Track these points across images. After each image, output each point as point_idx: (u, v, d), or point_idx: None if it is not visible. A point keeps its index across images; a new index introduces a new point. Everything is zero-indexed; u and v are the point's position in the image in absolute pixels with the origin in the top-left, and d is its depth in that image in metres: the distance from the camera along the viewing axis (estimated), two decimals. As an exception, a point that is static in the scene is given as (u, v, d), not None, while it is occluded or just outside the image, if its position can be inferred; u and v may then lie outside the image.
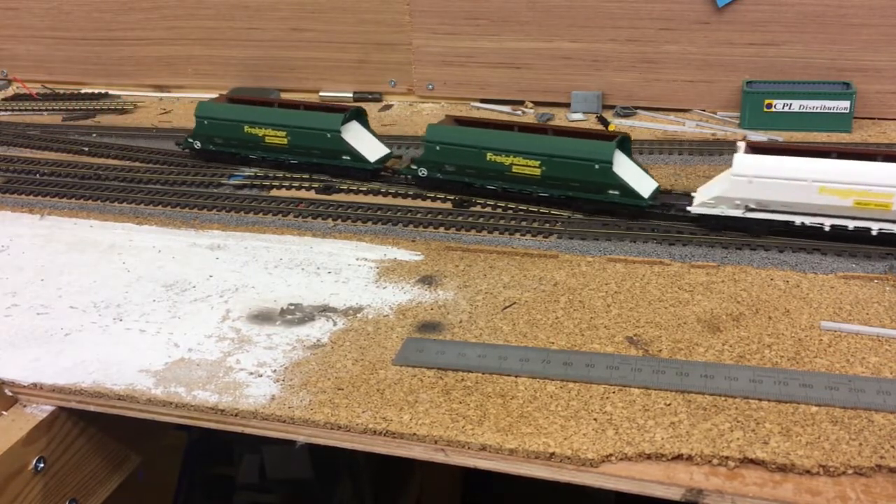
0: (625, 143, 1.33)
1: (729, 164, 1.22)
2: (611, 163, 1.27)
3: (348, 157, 1.47)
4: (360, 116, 1.53)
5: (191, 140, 1.60)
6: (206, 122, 1.57)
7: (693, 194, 1.28)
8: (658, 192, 1.32)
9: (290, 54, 2.02)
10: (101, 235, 1.36)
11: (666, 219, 1.30)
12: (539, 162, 1.32)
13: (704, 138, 1.65)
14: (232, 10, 2.01)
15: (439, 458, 0.87)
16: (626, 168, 1.31)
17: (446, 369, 0.96)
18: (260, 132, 1.52)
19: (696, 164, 1.53)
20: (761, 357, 0.96)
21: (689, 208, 1.26)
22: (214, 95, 1.68)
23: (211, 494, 1.87)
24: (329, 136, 1.46)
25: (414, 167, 1.44)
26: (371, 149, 1.49)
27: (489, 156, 1.36)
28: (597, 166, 1.28)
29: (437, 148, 1.40)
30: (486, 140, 1.37)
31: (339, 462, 1.84)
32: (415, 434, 0.87)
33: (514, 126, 1.41)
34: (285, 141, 1.50)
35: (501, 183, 1.37)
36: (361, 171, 1.48)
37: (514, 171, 1.35)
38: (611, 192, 1.29)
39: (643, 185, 1.31)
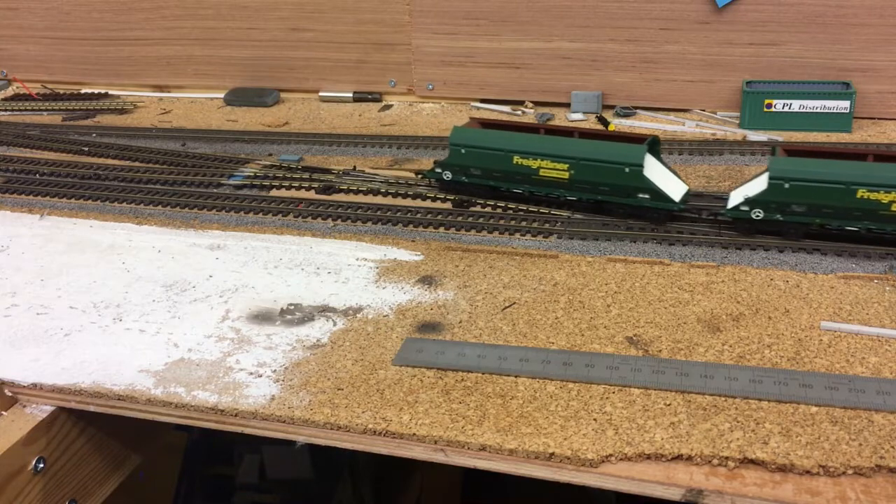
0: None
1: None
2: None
3: (647, 196, 1.27)
4: (655, 146, 1.32)
5: (439, 170, 1.42)
6: (462, 150, 1.38)
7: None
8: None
9: (290, 54, 2.02)
10: (100, 235, 1.36)
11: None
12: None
13: (704, 138, 1.65)
14: (232, 10, 2.01)
15: (439, 458, 0.87)
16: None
17: (446, 369, 0.96)
18: (533, 164, 1.33)
19: (696, 164, 1.53)
20: (761, 357, 0.96)
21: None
22: (218, 96, 1.66)
23: (211, 494, 1.87)
24: (627, 170, 1.26)
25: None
26: (672, 185, 1.30)
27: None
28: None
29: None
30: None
31: (339, 462, 1.84)
32: (415, 434, 0.87)
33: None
34: (566, 175, 1.31)
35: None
36: (662, 211, 1.28)
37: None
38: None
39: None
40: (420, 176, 1.48)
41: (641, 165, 1.25)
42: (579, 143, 1.32)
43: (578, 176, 1.30)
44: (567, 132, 1.38)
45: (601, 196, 1.30)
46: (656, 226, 1.27)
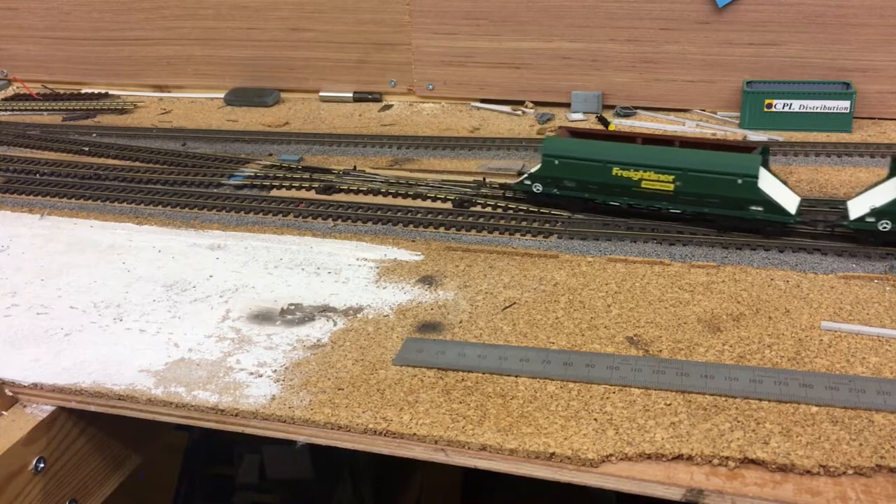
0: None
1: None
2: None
3: (760, 209, 1.21)
4: (765, 155, 1.27)
5: (528, 182, 1.35)
6: (556, 161, 1.31)
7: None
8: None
9: (290, 54, 2.02)
10: (101, 235, 1.36)
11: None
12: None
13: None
14: (232, 10, 2.01)
15: (439, 458, 0.87)
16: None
17: (446, 369, 0.96)
18: (635, 175, 1.27)
19: (696, 164, 1.53)
20: (761, 357, 0.96)
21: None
22: (218, 96, 1.65)
23: (211, 494, 1.87)
24: (740, 182, 1.20)
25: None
26: (785, 196, 1.24)
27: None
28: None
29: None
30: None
31: (340, 462, 1.84)
32: (415, 434, 0.87)
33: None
34: (671, 187, 1.25)
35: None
36: (776, 224, 1.22)
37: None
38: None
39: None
40: (510, 190, 1.41)
41: (756, 176, 1.19)
42: (686, 154, 1.26)
43: (685, 188, 1.24)
44: (667, 141, 1.33)
45: (708, 209, 1.24)
46: (770, 239, 1.21)
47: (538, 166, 1.34)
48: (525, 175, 1.36)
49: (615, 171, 1.27)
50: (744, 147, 1.26)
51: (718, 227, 1.25)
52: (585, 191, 1.31)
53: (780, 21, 1.68)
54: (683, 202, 1.26)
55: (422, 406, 0.90)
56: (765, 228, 1.23)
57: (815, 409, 0.87)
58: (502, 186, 1.45)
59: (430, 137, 1.71)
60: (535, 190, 1.34)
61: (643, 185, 1.26)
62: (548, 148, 1.33)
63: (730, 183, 1.21)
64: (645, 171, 1.25)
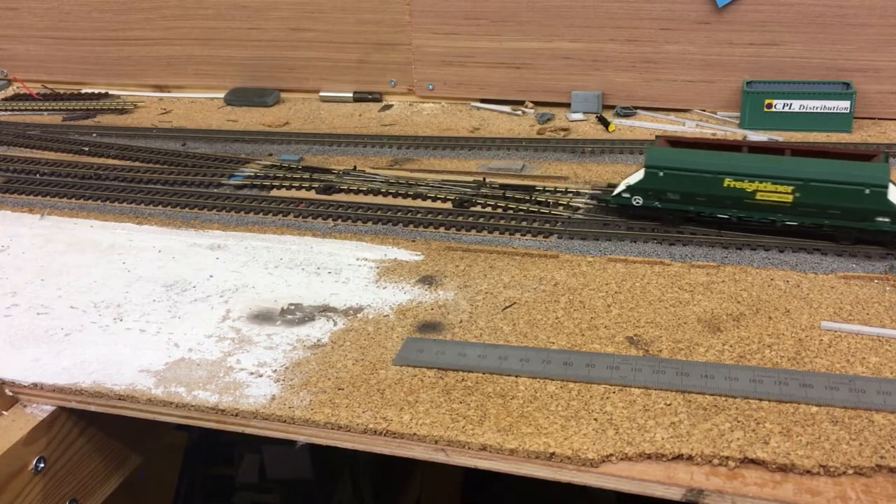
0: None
1: None
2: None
3: (886, 220, 1.16)
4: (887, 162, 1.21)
5: (627, 195, 1.28)
6: (660, 173, 1.25)
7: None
8: None
9: (290, 54, 2.02)
10: (101, 235, 1.36)
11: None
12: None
13: (705, 138, 1.65)
14: (232, 10, 2.01)
15: (440, 458, 0.87)
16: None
17: (446, 369, 0.96)
18: (749, 186, 1.20)
19: (696, 164, 1.53)
20: (761, 357, 0.96)
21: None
22: (218, 96, 1.65)
23: (211, 494, 1.87)
24: (868, 192, 1.15)
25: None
26: None
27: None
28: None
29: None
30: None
31: (340, 462, 1.84)
32: (415, 434, 0.87)
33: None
34: (789, 198, 1.19)
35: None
36: None
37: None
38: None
39: None
40: (604, 203, 1.34)
41: (886, 186, 1.14)
42: (804, 163, 1.19)
43: (805, 199, 1.17)
44: (776, 150, 1.26)
45: (828, 221, 1.18)
46: (771, 239, 1.19)
47: (638, 178, 1.27)
48: (623, 187, 1.29)
49: (727, 182, 1.21)
50: (861, 155, 1.21)
51: (836, 239, 1.20)
52: (691, 203, 1.25)
53: (780, 21, 1.68)
54: (802, 214, 1.19)
55: (422, 406, 0.90)
56: (893, 240, 1.17)
57: (815, 409, 0.87)
58: (502, 186, 1.45)
59: (430, 137, 1.71)
60: (634, 203, 1.28)
61: (758, 197, 1.20)
62: (652, 159, 1.25)
63: (856, 193, 1.15)
64: (761, 182, 1.19)
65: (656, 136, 1.35)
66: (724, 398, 0.89)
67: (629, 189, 1.28)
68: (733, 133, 1.66)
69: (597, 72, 1.83)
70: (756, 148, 1.28)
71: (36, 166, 1.66)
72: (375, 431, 0.88)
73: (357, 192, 1.47)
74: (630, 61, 1.80)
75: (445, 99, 1.96)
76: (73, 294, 1.18)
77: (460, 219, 1.34)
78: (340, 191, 1.48)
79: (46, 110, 2.03)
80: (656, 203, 1.27)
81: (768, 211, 1.21)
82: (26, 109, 2.04)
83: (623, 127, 1.74)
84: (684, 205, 1.25)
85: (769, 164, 1.20)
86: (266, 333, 1.06)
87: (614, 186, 1.31)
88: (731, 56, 1.73)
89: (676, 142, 1.32)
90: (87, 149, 1.74)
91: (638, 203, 1.27)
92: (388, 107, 1.97)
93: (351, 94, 2.00)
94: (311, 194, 1.48)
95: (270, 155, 1.68)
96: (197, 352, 1.03)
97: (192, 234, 1.36)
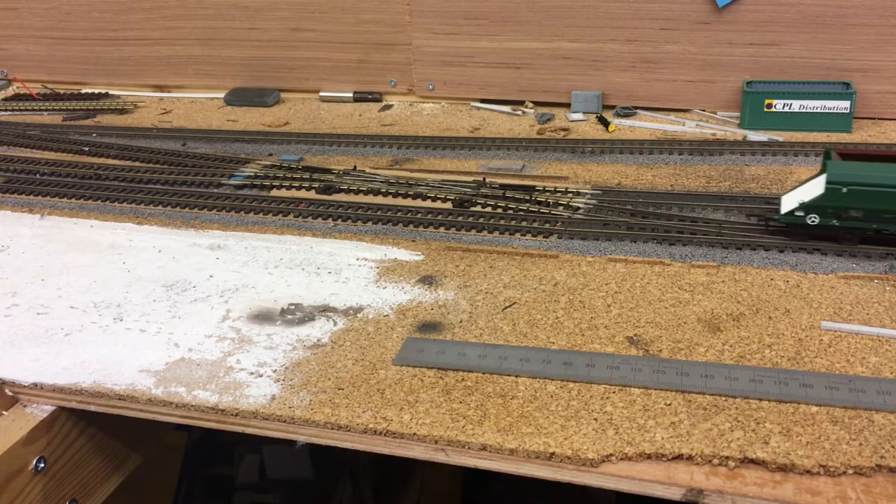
0: None
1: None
2: None
3: None
4: None
5: (801, 213, 1.19)
6: (843, 189, 1.16)
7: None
8: None
9: (290, 54, 2.02)
10: (101, 235, 1.36)
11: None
12: None
13: (704, 138, 1.65)
14: (232, 10, 2.01)
15: (440, 458, 0.87)
16: None
17: (446, 369, 0.96)
18: None
19: (696, 164, 1.53)
20: (761, 357, 0.96)
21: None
22: (218, 96, 1.65)
23: (211, 494, 1.87)
24: None
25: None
26: None
27: None
28: None
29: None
30: None
31: (340, 462, 1.84)
32: (415, 434, 0.87)
33: None
34: None
35: None
36: None
37: None
38: None
39: None
40: (772, 222, 1.25)
41: None
42: None
43: None
44: None
45: None
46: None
47: (814, 194, 1.18)
48: (794, 205, 1.20)
49: None
50: None
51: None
52: (876, 221, 1.16)
53: (780, 21, 1.68)
54: None
55: (422, 406, 0.90)
56: None
57: (815, 408, 0.87)
58: (502, 186, 1.45)
59: (430, 137, 1.71)
60: (809, 222, 1.19)
61: None
62: (834, 175, 1.16)
63: None
64: None
65: (826, 150, 1.23)
66: (724, 398, 0.89)
67: (804, 208, 1.19)
68: (733, 133, 1.66)
69: (597, 72, 1.83)
70: None
71: (36, 166, 1.66)
72: (375, 431, 0.88)
73: (357, 192, 1.47)
74: (630, 61, 1.80)
75: (445, 99, 1.96)
76: (73, 294, 1.18)
77: (460, 219, 1.34)
78: (340, 191, 1.48)
79: (46, 110, 2.03)
80: (834, 221, 1.18)
81: None
82: (26, 109, 2.04)
83: (623, 127, 1.74)
84: (867, 222, 1.17)
85: None
86: (266, 333, 1.06)
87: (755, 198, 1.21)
88: (731, 56, 1.73)
89: (849, 154, 1.23)
90: (87, 149, 1.74)
91: (813, 222, 1.19)
92: (388, 107, 1.97)
93: (351, 94, 2.00)
94: (311, 194, 1.48)
95: (270, 155, 1.68)
96: (197, 352, 1.03)
97: (192, 234, 1.36)
